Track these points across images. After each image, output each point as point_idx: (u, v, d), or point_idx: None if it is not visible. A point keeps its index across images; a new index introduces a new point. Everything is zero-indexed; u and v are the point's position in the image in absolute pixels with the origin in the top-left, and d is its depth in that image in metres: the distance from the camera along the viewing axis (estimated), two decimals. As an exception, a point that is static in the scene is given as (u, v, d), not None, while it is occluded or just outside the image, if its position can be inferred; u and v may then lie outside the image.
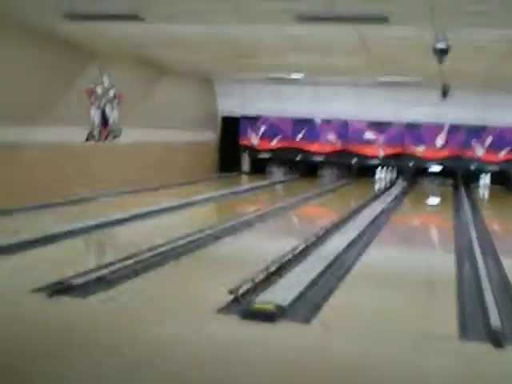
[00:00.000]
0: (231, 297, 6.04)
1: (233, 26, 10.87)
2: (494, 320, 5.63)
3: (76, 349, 4.77)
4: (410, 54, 13.06)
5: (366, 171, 21.52)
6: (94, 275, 6.72)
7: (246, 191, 17.54)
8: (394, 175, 21.43)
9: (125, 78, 15.53)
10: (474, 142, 20.29)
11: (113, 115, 15.14)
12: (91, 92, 14.28)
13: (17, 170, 11.93)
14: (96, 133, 14.51)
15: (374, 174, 21.66)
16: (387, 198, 15.99)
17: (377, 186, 20.34)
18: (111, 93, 15.02)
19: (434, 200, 18.44)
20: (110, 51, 14.30)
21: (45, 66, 12.59)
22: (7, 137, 11.64)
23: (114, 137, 15.21)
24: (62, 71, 13.21)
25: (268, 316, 5.53)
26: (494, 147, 20.19)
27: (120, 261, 7.51)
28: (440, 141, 20.53)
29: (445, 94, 16.61)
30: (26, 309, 5.81)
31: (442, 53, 9.76)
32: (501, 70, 14.71)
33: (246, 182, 20.13)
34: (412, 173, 21.14)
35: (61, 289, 6.16)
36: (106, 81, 14.78)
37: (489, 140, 20.21)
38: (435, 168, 21.04)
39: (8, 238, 8.61)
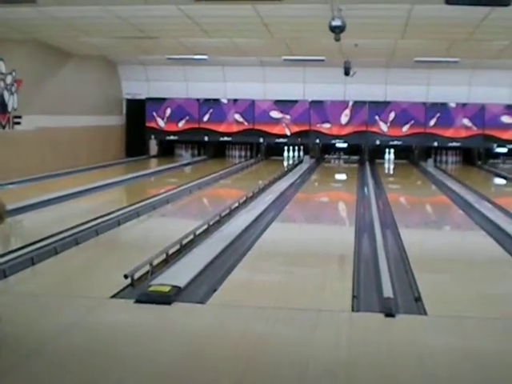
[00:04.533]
0: (128, 281, 6.01)
1: (130, 6, 10.74)
2: (386, 290, 5.78)
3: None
4: (310, 33, 13.17)
5: (274, 150, 21.62)
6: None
7: (152, 174, 17.37)
8: (302, 153, 21.59)
9: (24, 64, 15.05)
10: (377, 117, 20.63)
11: (11, 101, 14.73)
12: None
13: None
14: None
15: (282, 152, 21.80)
16: (294, 176, 16.20)
17: (285, 164, 20.54)
18: (9, 79, 14.59)
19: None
20: (6, 36, 13.84)
21: None
22: None
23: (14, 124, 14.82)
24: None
25: (163, 298, 5.51)
26: (397, 122, 20.58)
27: (16, 250, 7.36)
28: (345, 117, 20.78)
29: (347, 71, 16.79)
30: None
31: (337, 30, 9.83)
32: (400, 46, 15.01)
33: (153, 166, 19.94)
34: (319, 150, 21.37)
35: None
36: (3, 67, 14.34)
37: (392, 115, 20.59)
38: (341, 144, 21.33)
39: None
